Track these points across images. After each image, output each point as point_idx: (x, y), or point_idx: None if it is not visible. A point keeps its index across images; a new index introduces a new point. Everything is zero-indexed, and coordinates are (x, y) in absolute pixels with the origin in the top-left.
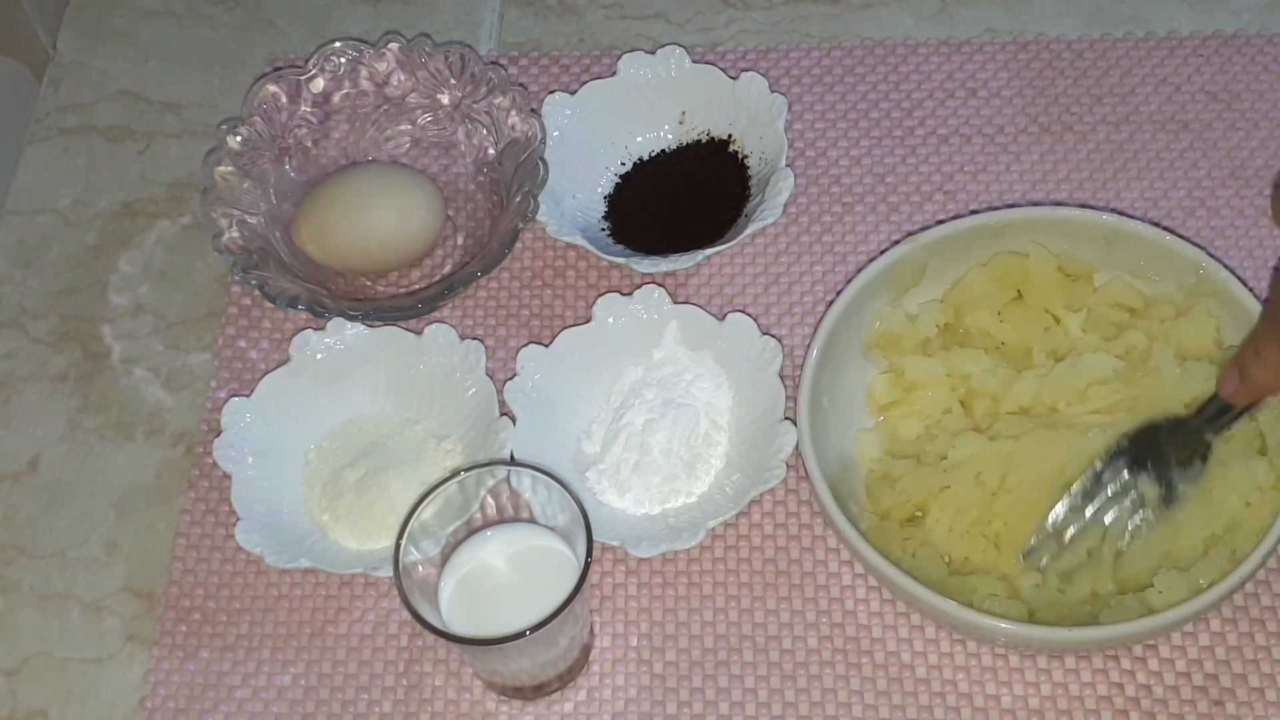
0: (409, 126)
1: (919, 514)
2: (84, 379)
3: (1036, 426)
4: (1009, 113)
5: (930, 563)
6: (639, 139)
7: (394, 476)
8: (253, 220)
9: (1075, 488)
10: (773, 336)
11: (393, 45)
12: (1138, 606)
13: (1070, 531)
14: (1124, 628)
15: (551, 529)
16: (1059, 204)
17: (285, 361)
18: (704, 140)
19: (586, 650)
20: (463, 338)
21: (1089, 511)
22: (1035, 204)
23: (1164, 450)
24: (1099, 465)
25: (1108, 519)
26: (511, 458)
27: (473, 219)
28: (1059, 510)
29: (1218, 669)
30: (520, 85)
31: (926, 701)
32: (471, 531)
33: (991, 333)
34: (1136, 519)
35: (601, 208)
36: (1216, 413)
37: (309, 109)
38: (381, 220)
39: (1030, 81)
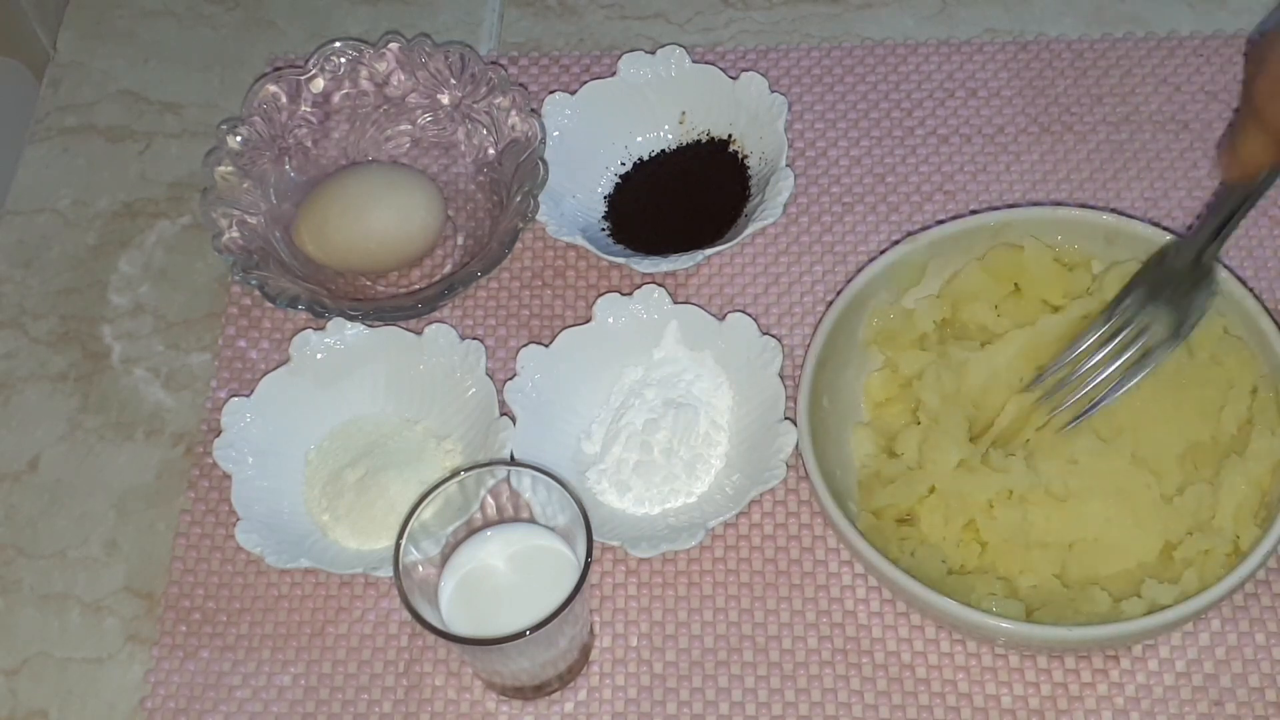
0: (409, 126)
1: (908, 517)
2: (84, 379)
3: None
4: (1009, 113)
5: (929, 562)
6: (639, 139)
7: (394, 476)
8: (253, 220)
9: (1088, 332)
10: (773, 336)
11: (393, 45)
12: (1138, 607)
13: (1083, 367)
14: (1124, 627)
15: (551, 529)
16: (1059, 204)
17: (285, 361)
18: (704, 140)
19: (586, 650)
20: (463, 338)
21: (1100, 355)
22: (1035, 204)
23: (1173, 278)
24: (1113, 306)
25: (1122, 357)
26: (511, 458)
27: (473, 219)
28: (1071, 355)
29: (1218, 669)
30: (520, 85)
31: (926, 701)
32: (471, 531)
33: (989, 326)
34: (1151, 358)
35: (601, 208)
36: (1215, 221)
37: (309, 109)
38: (381, 220)
39: (1030, 81)
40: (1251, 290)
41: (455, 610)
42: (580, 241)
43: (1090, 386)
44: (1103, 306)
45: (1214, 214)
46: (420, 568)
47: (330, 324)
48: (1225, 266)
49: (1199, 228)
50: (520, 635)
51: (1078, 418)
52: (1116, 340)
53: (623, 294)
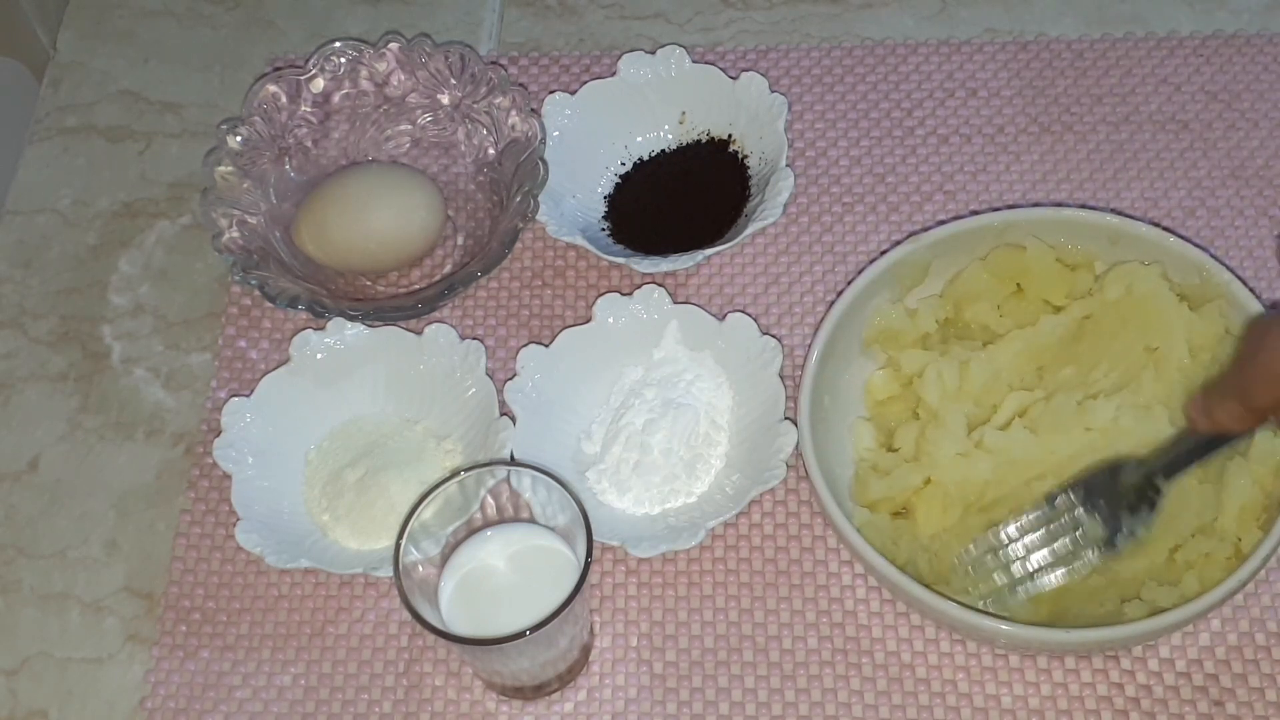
0: (409, 126)
1: (904, 511)
2: (84, 379)
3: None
4: (1009, 113)
5: (929, 563)
6: (639, 139)
7: (394, 476)
8: (253, 220)
9: (1027, 513)
10: (773, 336)
11: (393, 45)
12: (1138, 607)
13: (1006, 552)
14: (1124, 628)
15: (551, 529)
16: (1059, 204)
17: (285, 361)
18: (704, 140)
19: (586, 650)
20: (463, 338)
21: (1031, 539)
22: (1036, 204)
23: (1119, 491)
24: (1055, 494)
25: (1048, 551)
26: (511, 458)
27: (473, 219)
28: (1006, 530)
29: (1218, 669)
30: (520, 85)
31: (926, 701)
32: (471, 531)
33: (991, 326)
34: (1077, 558)
35: (601, 208)
36: (1174, 455)
37: (309, 109)
38: (381, 220)
39: (1030, 81)
40: (1253, 291)
41: (455, 610)
42: (580, 241)
43: (1015, 565)
44: (1051, 488)
45: (1174, 450)
46: (420, 568)
47: (330, 324)
48: (1225, 266)
49: (1158, 456)
50: (520, 635)
51: (997, 596)
52: (1049, 531)
53: (623, 294)
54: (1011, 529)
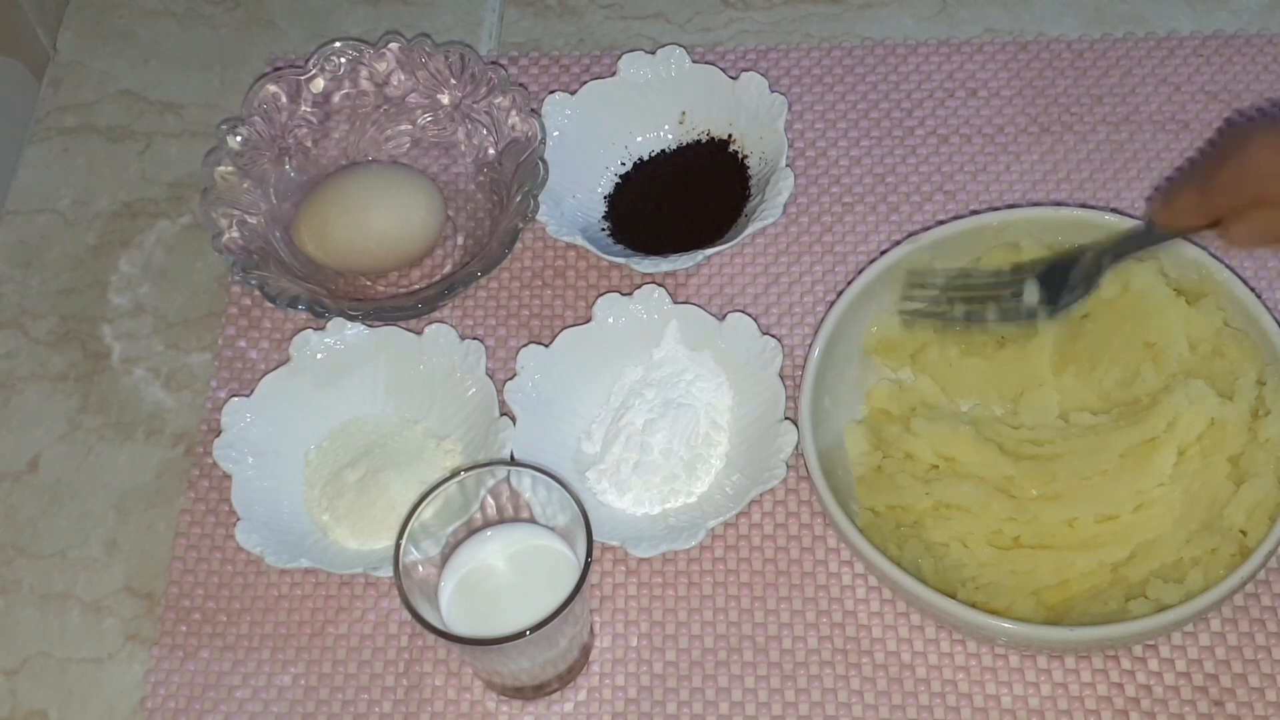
0: (409, 126)
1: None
2: (84, 379)
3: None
4: (1009, 113)
5: (927, 557)
6: (639, 139)
7: (394, 476)
8: (253, 220)
9: (976, 271)
10: (773, 336)
11: (393, 45)
12: (1143, 605)
13: (957, 286)
14: (1124, 628)
15: (551, 529)
16: (1059, 204)
17: (285, 361)
18: (704, 140)
19: (586, 650)
20: (463, 338)
21: (978, 290)
22: (1036, 204)
23: (1070, 273)
24: (1019, 267)
25: (984, 301)
26: (511, 458)
27: (473, 219)
28: (953, 276)
29: (1218, 669)
30: (520, 85)
31: (926, 701)
32: (471, 531)
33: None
34: (1009, 312)
35: (601, 208)
36: (1126, 240)
37: (309, 109)
38: (381, 220)
39: (1030, 81)
40: (1253, 290)
41: (455, 610)
42: (580, 241)
43: (954, 299)
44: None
45: (1127, 239)
46: (420, 568)
47: (330, 324)
48: (1225, 265)
49: (1110, 243)
50: (520, 635)
51: (926, 315)
52: (996, 284)
53: (623, 294)
54: (962, 277)
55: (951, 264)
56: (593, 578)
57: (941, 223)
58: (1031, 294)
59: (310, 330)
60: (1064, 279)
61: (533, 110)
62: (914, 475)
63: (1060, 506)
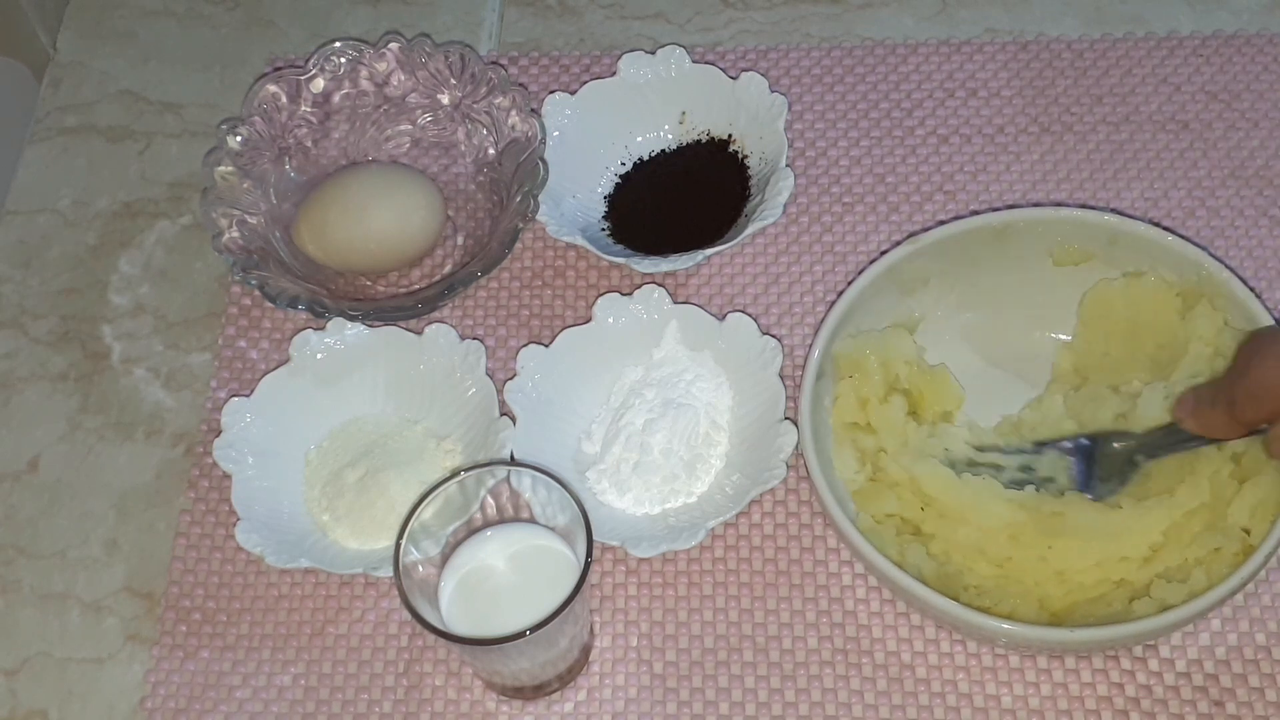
0: (409, 126)
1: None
2: (84, 379)
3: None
4: (1009, 113)
5: (929, 562)
6: (639, 139)
7: (394, 476)
8: (253, 220)
9: (1010, 434)
10: (773, 336)
11: (393, 45)
12: (1147, 604)
13: (975, 455)
14: (1124, 628)
15: (551, 529)
16: (1059, 204)
17: (285, 361)
18: (704, 140)
19: (586, 650)
20: (463, 338)
21: (1012, 458)
22: (1036, 204)
23: (1098, 458)
24: (1046, 442)
25: (1007, 472)
26: (511, 458)
27: (473, 219)
28: (981, 438)
29: (1218, 669)
30: (520, 85)
31: (926, 701)
32: (471, 531)
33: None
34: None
35: (601, 208)
36: (1159, 440)
37: (309, 109)
38: (381, 220)
39: (1030, 81)
40: (1253, 290)
41: (455, 610)
42: (580, 241)
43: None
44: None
45: (1160, 437)
46: (420, 568)
47: (330, 324)
48: (1226, 266)
49: (1143, 438)
50: (520, 635)
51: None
52: (1026, 461)
53: (623, 294)
54: (995, 449)
55: (954, 265)
56: (593, 578)
57: (941, 223)
58: (1063, 479)
59: (310, 330)
60: (1094, 464)
61: (533, 110)
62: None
63: (1069, 552)
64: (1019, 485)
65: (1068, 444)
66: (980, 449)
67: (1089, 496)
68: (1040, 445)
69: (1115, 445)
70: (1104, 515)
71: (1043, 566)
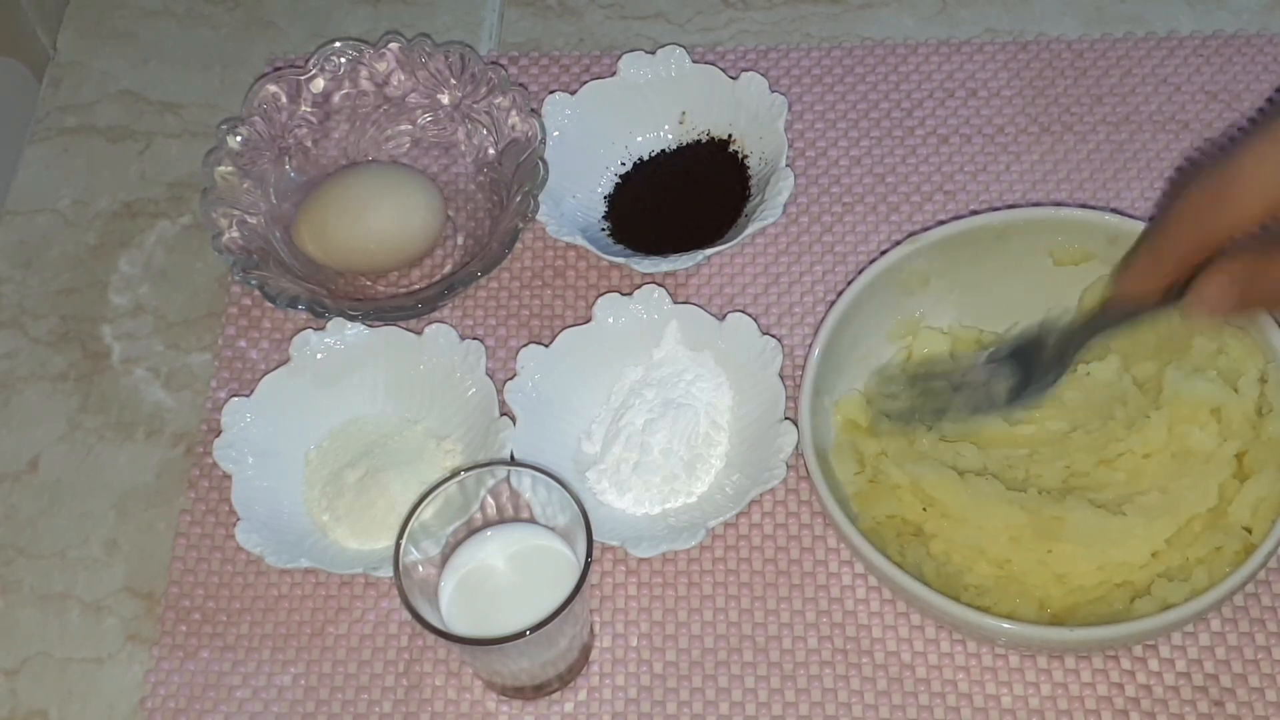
0: (409, 126)
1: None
2: (84, 379)
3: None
4: (1009, 113)
5: (929, 562)
6: (639, 139)
7: (394, 476)
8: (253, 220)
9: (938, 361)
10: (773, 336)
11: (393, 45)
12: (1149, 603)
13: (921, 381)
14: (1124, 628)
15: (551, 529)
16: (1059, 204)
17: (285, 361)
18: (704, 140)
19: (586, 650)
20: (463, 338)
21: (950, 378)
22: (1036, 204)
23: (1041, 354)
24: (987, 351)
25: (957, 393)
26: (511, 458)
27: (473, 219)
28: (929, 365)
29: (1218, 669)
30: (520, 85)
31: (926, 701)
32: (471, 531)
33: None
34: (979, 406)
35: (601, 208)
36: (1089, 329)
37: (309, 109)
38: (381, 220)
39: (1030, 81)
40: None
41: (455, 610)
42: (580, 241)
43: (922, 395)
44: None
45: (1094, 320)
46: (420, 568)
47: (330, 324)
48: None
49: (1076, 322)
50: (520, 635)
51: (893, 419)
52: (968, 378)
53: (623, 294)
54: (931, 369)
55: (954, 265)
56: (593, 578)
57: (942, 223)
58: (1000, 382)
59: (310, 330)
60: (1037, 359)
61: (533, 110)
62: (906, 502)
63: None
64: (979, 408)
65: (1003, 351)
66: (920, 376)
67: (1027, 399)
68: (978, 360)
69: (1047, 344)
70: (1105, 520)
71: (1043, 569)
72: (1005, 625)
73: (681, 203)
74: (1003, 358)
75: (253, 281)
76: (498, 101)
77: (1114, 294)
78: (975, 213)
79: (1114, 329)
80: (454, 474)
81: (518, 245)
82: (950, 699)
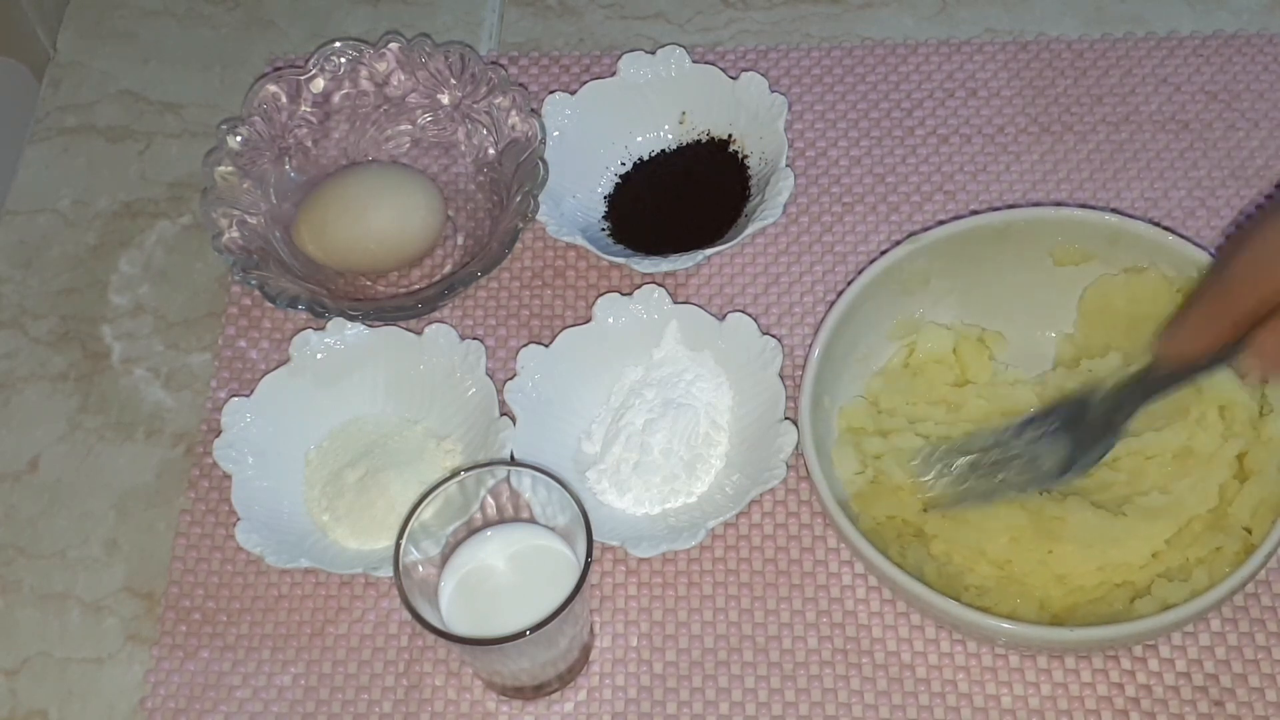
0: (409, 126)
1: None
2: (84, 379)
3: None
4: (1009, 113)
5: (930, 562)
6: (639, 139)
7: (394, 476)
8: (253, 220)
9: (996, 432)
10: (773, 336)
11: (393, 45)
12: (1149, 603)
13: (963, 460)
14: (1124, 628)
15: (551, 529)
16: (1059, 204)
17: (285, 361)
18: (704, 140)
19: (586, 650)
20: (463, 338)
21: (993, 454)
22: (1036, 204)
23: (1087, 420)
24: (1028, 420)
25: (1002, 470)
26: (511, 458)
27: (473, 219)
28: (969, 441)
29: (1218, 669)
30: (520, 85)
31: (926, 701)
32: (471, 531)
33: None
34: (1023, 483)
35: (601, 208)
36: (1136, 389)
37: (309, 109)
38: (381, 220)
39: (1030, 81)
40: None
41: (455, 610)
42: (580, 241)
43: (967, 477)
44: (1016, 417)
45: (1144, 383)
46: (420, 568)
47: (330, 324)
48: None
49: (1124, 385)
50: (520, 635)
51: (942, 506)
52: (1012, 452)
53: (623, 294)
54: (975, 443)
55: (954, 265)
56: (593, 578)
57: (942, 223)
58: (1045, 453)
59: (310, 330)
60: (1084, 426)
61: (533, 110)
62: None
63: (1070, 558)
64: (1012, 475)
65: (1049, 422)
66: (961, 450)
67: (1077, 471)
68: (1020, 428)
69: (1092, 409)
70: (1106, 522)
71: (1043, 570)
72: (1005, 625)
73: (681, 203)
74: (1045, 427)
75: (253, 281)
76: (498, 101)
77: (1164, 353)
78: (975, 213)
79: (1165, 392)
80: (454, 474)
81: (518, 245)
82: (950, 699)
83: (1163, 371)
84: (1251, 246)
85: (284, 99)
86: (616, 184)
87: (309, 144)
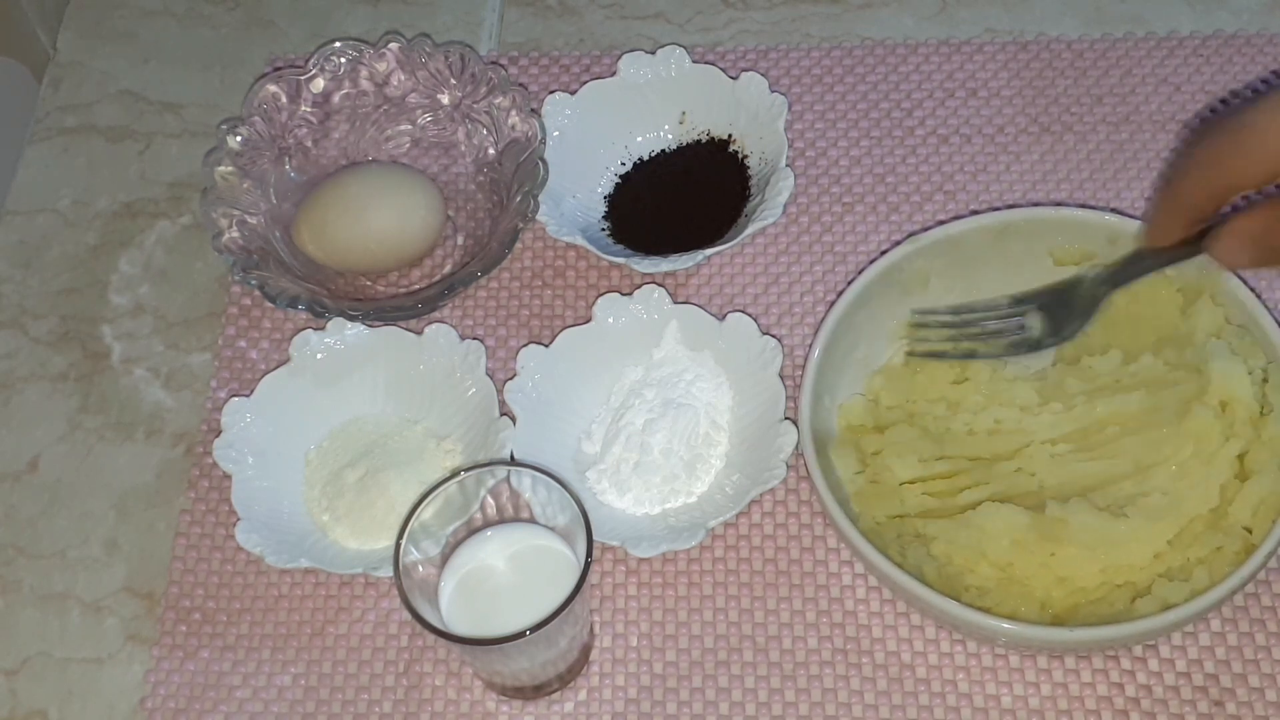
0: (409, 126)
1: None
2: (84, 379)
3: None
4: (1009, 113)
5: (930, 563)
6: (639, 139)
7: (394, 476)
8: (253, 220)
9: (986, 301)
10: (773, 336)
11: (393, 45)
12: (1150, 603)
13: (953, 318)
14: (1124, 628)
15: (551, 529)
16: (1059, 204)
17: (285, 361)
18: (704, 140)
19: (586, 650)
20: (463, 338)
21: (979, 320)
22: (1036, 204)
23: (1068, 300)
24: (1017, 295)
25: (987, 337)
26: (511, 458)
27: (473, 219)
28: (960, 307)
29: (1218, 669)
30: (520, 85)
31: (926, 701)
32: (471, 531)
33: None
34: (1012, 346)
35: (601, 208)
36: (1118, 273)
37: (309, 109)
38: (381, 220)
39: (1030, 81)
40: (1252, 289)
41: (455, 610)
42: (580, 241)
43: (959, 336)
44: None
45: (1123, 264)
46: (420, 568)
47: (330, 324)
48: None
49: (1106, 268)
50: (520, 635)
51: (934, 355)
52: (999, 317)
53: (623, 294)
54: (964, 312)
55: (953, 265)
56: (593, 578)
57: (941, 223)
58: (1035, 325)
59: (310, 330)
60: (1065, 307)
61: (533, 110)
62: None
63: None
64: (1014, 348)
65: (1035, 300)
66: (958, 313)
67: (1051, 345)
68: (1017, 302)
69: (1082, 282)
70: (1108, 524)
71: (1045, 572)
72: (1005, 625)
73: (681, 203)
74: (1038, 304)
75: (253, 281)
76: (498, 101)
77: (1138, 246)
78: (975, 213)
79: (1138, 277)
80: (454, 474)
81: (518, 245)
82: (950, 699)
83: (1139, 259)
84: (1202, 145)
85: (284, 99)
86: (616, 184)
87: (309, 144)
